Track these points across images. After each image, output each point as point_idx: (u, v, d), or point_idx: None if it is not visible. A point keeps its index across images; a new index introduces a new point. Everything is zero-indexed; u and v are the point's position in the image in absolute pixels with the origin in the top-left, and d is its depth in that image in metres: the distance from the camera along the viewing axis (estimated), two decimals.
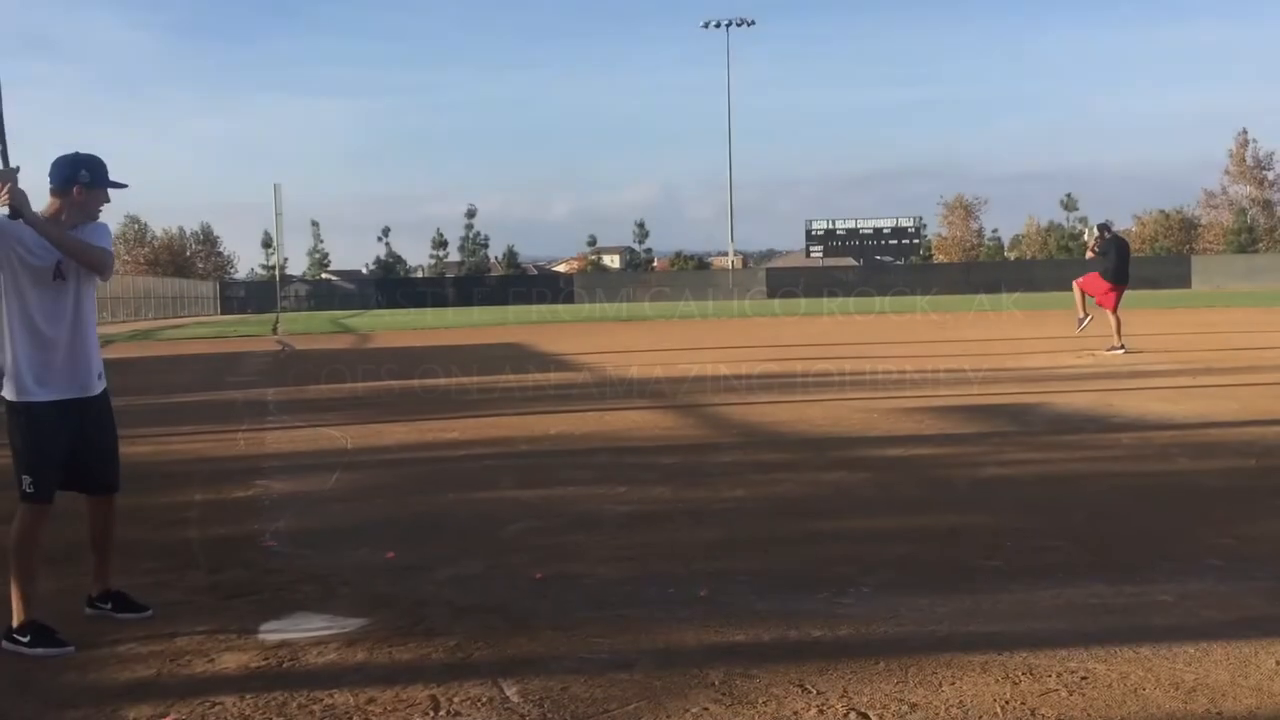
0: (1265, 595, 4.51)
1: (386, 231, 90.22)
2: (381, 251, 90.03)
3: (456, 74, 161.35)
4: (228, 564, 5.32)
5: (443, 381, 15.61)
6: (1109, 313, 16.41)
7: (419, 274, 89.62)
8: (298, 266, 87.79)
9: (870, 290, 57.24)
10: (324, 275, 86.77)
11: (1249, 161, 74.24)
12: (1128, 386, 12.10)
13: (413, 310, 58.84)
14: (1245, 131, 74.42)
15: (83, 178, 4.26)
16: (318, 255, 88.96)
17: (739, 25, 72.43)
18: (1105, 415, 9.94)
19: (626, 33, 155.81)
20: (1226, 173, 75.53)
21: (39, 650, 4.09)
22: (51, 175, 4.29)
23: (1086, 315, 17.17)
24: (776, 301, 57.23)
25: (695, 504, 6.61)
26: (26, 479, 4.21)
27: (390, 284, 79.04)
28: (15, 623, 4.18)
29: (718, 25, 72.76)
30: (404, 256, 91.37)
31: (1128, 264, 16.69)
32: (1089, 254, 17.30)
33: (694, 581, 4.88)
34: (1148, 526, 5.79)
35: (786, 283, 69.46)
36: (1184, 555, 5.14)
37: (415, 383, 15.49)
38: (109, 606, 4.54)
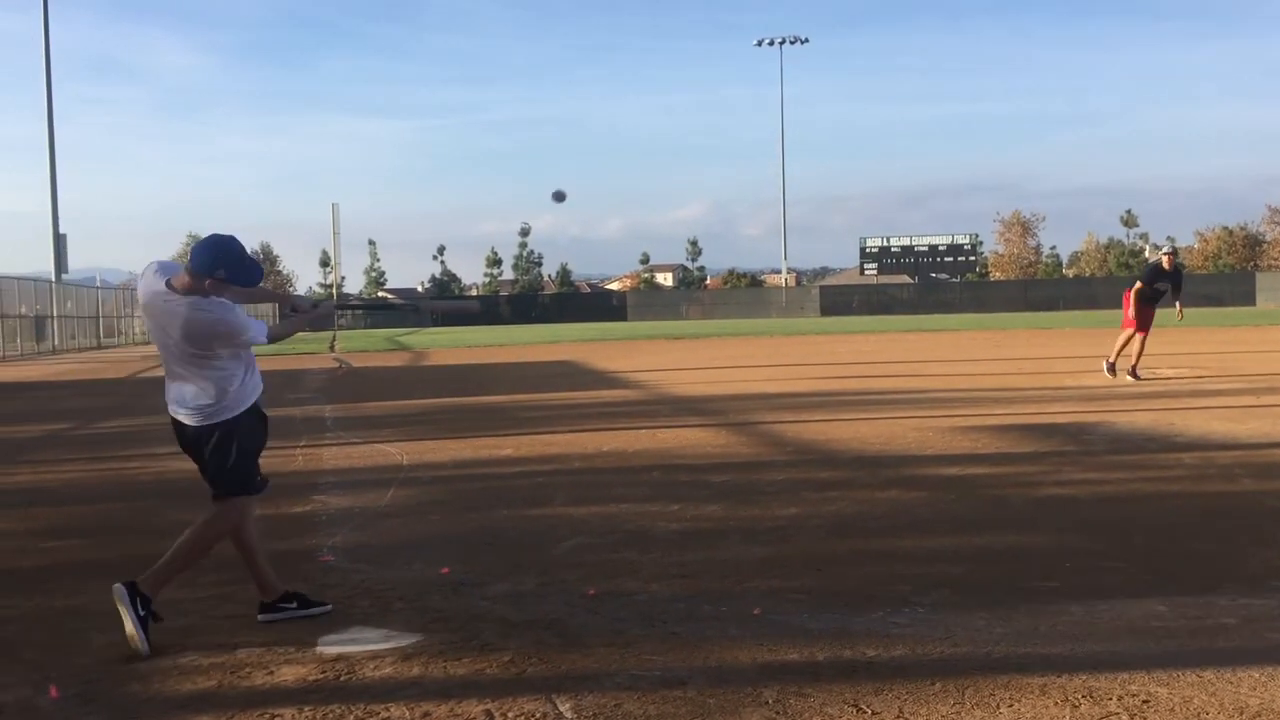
0: None
1: (442, 250, 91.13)
2: (437, 269, 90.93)
3: (511, 93, 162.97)
4: (286, 578, 5.38)
5: (497, 398, 15.73)
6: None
7: (473, 292, 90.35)
8: (355, 284, 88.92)
9: (925, 308, 56.79)
10: (380, 293, 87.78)
11: None
12: (1190, 406, 11.88)
13: (468, 328, 59.30)
14: None
15: (219, 274, 4.53)
16: (374, 273, 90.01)
17: (792, 43, 72.36)
18: (1167, 434, 9.76)
19: (681, 52, 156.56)
20: None
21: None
22: (194, 256, 4.57)
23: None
24: (830, 319, 56.91)
25: (748, 522, 6.59)
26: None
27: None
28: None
29: (771, 43, 72.74)
30: (459, 274, 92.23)
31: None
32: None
33: (747, 599, 4.86)
34: (1210, 548, 5.68)
35: (840, 300, 69.04)
36: (1248, 577, 5.03)
37: (469, 400, 15.61)
38: (292, 606, 4.84)
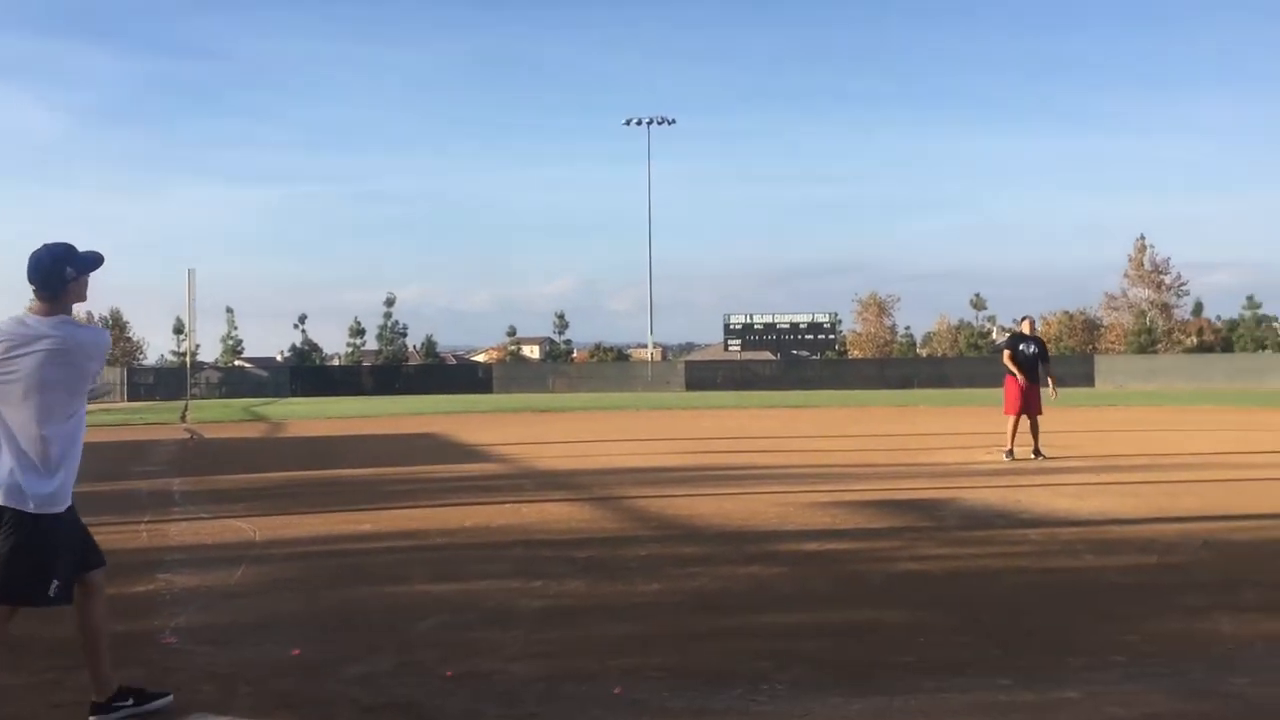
0: (1168, 693, 4.61)
1: (303, 319, 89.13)
2: (297, 339, 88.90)
3: (379, 163, 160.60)
4: (125, 662, 5.11)
5: (357, 472, 15.38)
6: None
7: (335, 362, 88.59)
8: (210, 353, 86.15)
9: (787, 384, 58.13)
10: (237, 362, 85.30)
11: (1147, 266, 77.22)
12: (1035, 483, 12.36)
13: (328, 398, 57.96)
14: (1143, 237, 77.49)
15: (69, 275, 4.25)
16: (231, 342, 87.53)
17: (659, 123, 73.98)
18: (1014, 511, 10.13)
19: (550, 128, 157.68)
20: (1126, 276, 78.43)
21: None
22: (37, 277, 4.22)
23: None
24: (696, 394, 57.61)
25: (610, 599, 6.56)
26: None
27: (305, 372, 77.94)
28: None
29: (639, 123, 74.21)
30: (320, 344, 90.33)
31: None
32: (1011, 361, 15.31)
33: (608, 678, 4.82)
34: (1055, 623, 5.88)
35: (705, 375, 70.01)
36: (1090, 652, 5.23)
37: (328, 473, 15.22)
38: (128, 703, 4.42)
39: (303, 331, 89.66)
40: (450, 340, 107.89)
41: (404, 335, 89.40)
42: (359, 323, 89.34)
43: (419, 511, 10.73)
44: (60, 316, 4.25)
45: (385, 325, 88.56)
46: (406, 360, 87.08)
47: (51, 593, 4.14)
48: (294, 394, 66.81)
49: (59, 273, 4.23)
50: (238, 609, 6.44)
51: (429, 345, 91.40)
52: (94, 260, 4.36)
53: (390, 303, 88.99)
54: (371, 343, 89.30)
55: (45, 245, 4.30)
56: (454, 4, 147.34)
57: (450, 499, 11.73)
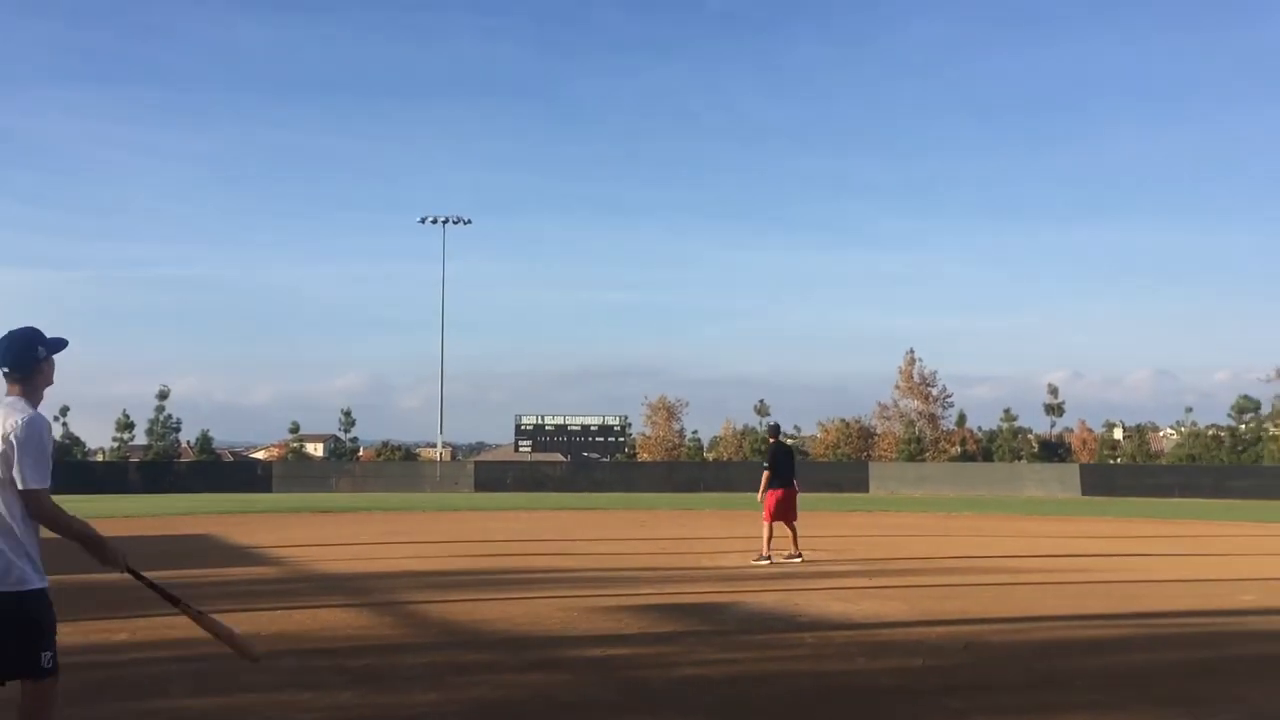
0: None
1: (65, 411, 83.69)
2: (57, 432, 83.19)
3: (155, 250, 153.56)
4: None
5: (114, 576, 14.36)
6: (771, 522, 16.03)
7: (99, 457, 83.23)
8: None
9: (577, 486, 58.31)
10: None
11: (916, 379, 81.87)
12: (811, 587, 12.73)
13: (89, 496, 54.15)
14: (913, 351, 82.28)
15: (40, 354, 4.30)
16: None
17: (455, 223, 74.08)
18: (791, 615, 10.38)
19: (346, 221, 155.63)
20: (897, 387, 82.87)
21: None
22: (6, 360, 4.25)
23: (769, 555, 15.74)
24: (484, 495, 56.93)
25: (383, 710, 6.32)
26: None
27: (64, 468, 72.68)
28: None
29: (434, 221, 74.13)
30: (82, 438, 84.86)
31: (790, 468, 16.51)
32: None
33: None
34: None
35: (495, 476, 69.34)
36: None
37: (81, 577, 14.15)
38: None
39: (63, 425, 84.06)
40: (228, 436, 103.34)
41: (177, 430, 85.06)
42: (127, 416, 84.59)
43: (182, 619, 10.05)
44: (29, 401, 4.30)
45: (157, 419, 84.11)
46: (179, 456, 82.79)
47: (45, 663, 4.26)
48: (50, 492, 62.03)
49: (32, 353, 4.30)
50: None
51: (204, 441, 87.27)
52: (60, 342, 4.44)
53: (163, 395, 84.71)
54: (141, 437, 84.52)
55: (16, 328, 4.37)
56: (246, 91, 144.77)
57: (219, 605, 11.07)
